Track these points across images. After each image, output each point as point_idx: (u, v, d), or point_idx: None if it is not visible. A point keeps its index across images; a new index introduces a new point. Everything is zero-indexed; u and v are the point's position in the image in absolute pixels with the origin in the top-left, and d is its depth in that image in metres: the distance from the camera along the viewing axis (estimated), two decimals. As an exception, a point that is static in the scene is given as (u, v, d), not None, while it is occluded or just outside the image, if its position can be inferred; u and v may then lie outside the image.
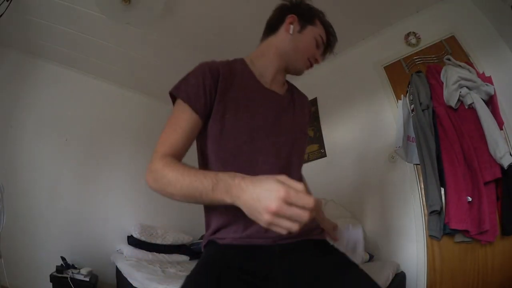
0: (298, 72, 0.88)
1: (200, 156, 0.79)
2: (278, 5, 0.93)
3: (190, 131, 0.69)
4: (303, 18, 0.86)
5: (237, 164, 0.69)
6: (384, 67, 2.13)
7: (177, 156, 0.66)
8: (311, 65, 0.88)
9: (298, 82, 1.00)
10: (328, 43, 0.91)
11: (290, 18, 0.85)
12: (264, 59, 0.84)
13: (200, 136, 0.75)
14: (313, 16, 0.88)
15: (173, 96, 0.76)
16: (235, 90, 0.74)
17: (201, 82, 0.71)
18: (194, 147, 0.78)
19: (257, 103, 0.76)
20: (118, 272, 1.95)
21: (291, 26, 0.84)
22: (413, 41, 2.01)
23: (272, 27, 0.89)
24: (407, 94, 1.79)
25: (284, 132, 0.77)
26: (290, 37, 0.83)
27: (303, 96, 0.96)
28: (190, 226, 2.83)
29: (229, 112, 0.71)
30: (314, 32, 0.86)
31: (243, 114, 0.72)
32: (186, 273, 1.83)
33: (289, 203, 0.42)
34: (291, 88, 0.93)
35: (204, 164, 0.76)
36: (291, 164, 0.77)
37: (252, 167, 0.69)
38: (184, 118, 0.69)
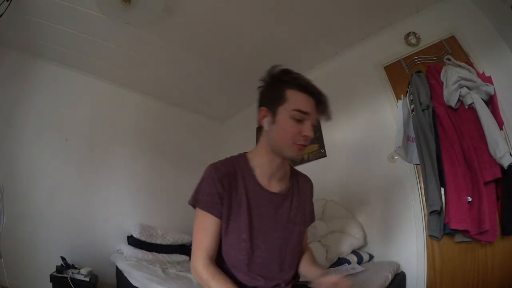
0: (294, 158, 0.85)
1: None
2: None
3: (217, 232, 0.82)
4: (272, 102, 0.83)
5: (237, 257, 0.83)
6: (384, 67, 2.13)
7: (213, 256, 0.82)
8: (302, 146, 0.82)
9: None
10: (316, 104, 0.82)
11: (261, 112, 0.86)
12: (260, 158, 0.89)
13: None
14: (282, 92, 0.82)
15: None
16: (238, 194, 0.84)
17: (214, 190, 0.81)
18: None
19: (255, 205, 0.85)
20: (118, 272, 1.95)
21: (265, 121, 0.85)
22: (413, 41, 2.01)
23: (258, 124, 0.90)
24: (407, 94, 1.79)
25: (279, 229, 0.88)
26: (269, 132, 0.84)
27: (305, 179, 1.02)
28: (190, 226, 2.82)
29: (233, 214, 0.83)
30: (287, 111, 0.80)
31: (243, 216, 0.83)
32: (186, 273, 1.84)
33: None
34: (293, 176, 0.97)
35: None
36: (284, 256, 0.88)
37: (249, 260, 0.83)
38: (209, 223, 0.82)
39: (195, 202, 0.84)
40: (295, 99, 0.81)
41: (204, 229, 0.81)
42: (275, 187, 0.90)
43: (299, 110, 0.79)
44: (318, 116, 0.84)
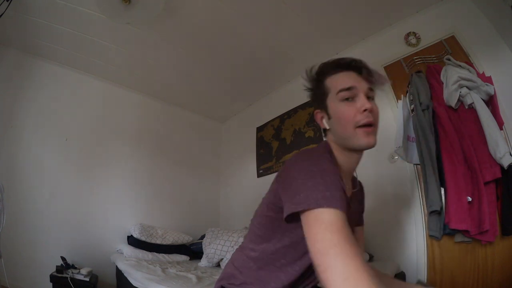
0: (365, 147, 0.70)
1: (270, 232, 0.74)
2: None
3: None
4: (320, 100, 0.76)
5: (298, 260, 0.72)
6: (384, 67, 2.13)
7: None
8: (366, 126, 0.68)
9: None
10: (358, 73, 0.73)
11: (317, 115, 0.78)
12: (338, 156, 0.75)
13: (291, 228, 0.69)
14: (322, 85, 0.75)
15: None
16: None
17: (340, 185, 0.60)
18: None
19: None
20: (118, 272, 1.95)
21: (324, 121, 0.76)
22: (413, 41, 2.00)
23: (322, 128, 0.81)
24: (407, 94, 1.79)
25: None
26: (331, 130, 0.75)
27: (361, 185, 0.91)
28: (190, 226, 2.83)
29: None
30: (334, 98, 0.72)
31: None
32: (186, 273, 1.84)
33: None
34: (356, 180, 0.86)
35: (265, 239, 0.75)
36: None
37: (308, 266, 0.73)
38: (347, 227, 0.54)
39: (326, 200, 0.54)
40: (335, 82, 0.73)
41: (348, 238, 0.52)
42: (348, 190, 0.76)
43: (342, 89, 0.70)
44: (368, 83, 0.72)
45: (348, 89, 0.70)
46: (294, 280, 0.74)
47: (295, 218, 0.59)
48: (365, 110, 0.67)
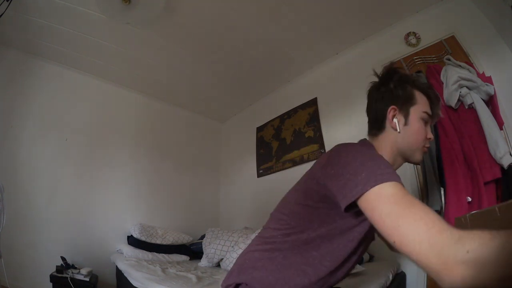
0: (417, 163, 0.83)
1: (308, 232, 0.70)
2: (370, 89, 0.85)
3: None
4: (403, 102, 0.78)
5: (337, 257, 0.71)
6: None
7: None
8: (426, 149, 0.82)
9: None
10: (433, 108, 0.81)
11: (391, 111, 0.78)
12: (384, 155, 0.78)
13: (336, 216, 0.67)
14: (412, 92, 0.79)
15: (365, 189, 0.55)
16: None
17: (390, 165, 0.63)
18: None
19: None
20: (118, 272, 1.95)
21: (396, 122, 0.78)
22: (413, 41, 2.01)
23: (376, 122, 0.82)
24: (407, 94, 1.79)
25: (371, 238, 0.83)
26: (400, 134, 0.78)
27: None
28: (190, 226, 2.83)
29: None
30: (418, 113, 0.78)
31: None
32: (186, 273, 1.83)
33: None
34: None
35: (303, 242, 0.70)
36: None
37: (341, 264, 0.72)
38: (408, 193, 0.54)
39: (382, 176, 0.55)
40: (423, 101, 0.79)
41: (419, 203, 0.52)
42: None
43: (428, 114, 0.79)
44: (434, 120, 0.83)
45: (430, 116, 0.80)
46: (322, 277, 0.69)
47: (351, 206, 0.58)
48: (429, 139, 0.81)
